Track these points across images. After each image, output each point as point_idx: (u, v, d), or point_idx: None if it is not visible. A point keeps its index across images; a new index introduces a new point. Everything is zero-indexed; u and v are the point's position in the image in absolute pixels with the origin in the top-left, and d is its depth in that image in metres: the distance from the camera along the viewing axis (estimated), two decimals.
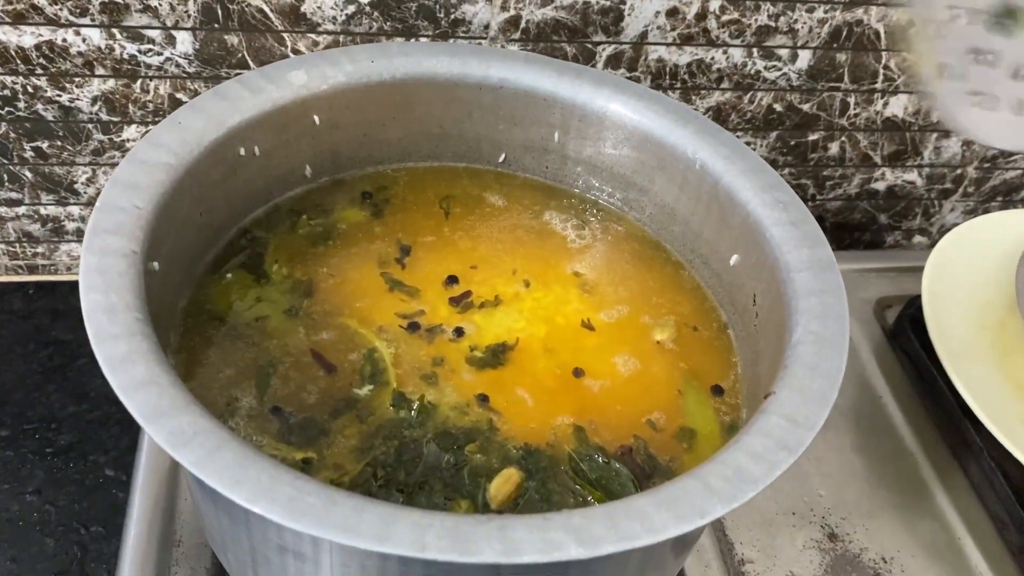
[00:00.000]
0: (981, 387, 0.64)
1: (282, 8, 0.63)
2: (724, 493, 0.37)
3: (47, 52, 0.62)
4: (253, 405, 0.46)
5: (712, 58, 0.71)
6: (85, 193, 0.71)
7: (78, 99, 0.65)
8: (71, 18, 0.61)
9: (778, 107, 0.76)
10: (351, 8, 0.63)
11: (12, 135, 0.66)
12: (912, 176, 0.84)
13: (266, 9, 0.62)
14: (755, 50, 0.71)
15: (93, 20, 0.61)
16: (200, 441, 0.35)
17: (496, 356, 0.49)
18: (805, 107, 0.76)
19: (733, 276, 0.53)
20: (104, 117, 0.66)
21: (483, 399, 0.47)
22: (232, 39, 0.63)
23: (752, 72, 0.72)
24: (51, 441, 0.63)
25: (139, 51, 0.63)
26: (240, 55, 0.64)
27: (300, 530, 0.33)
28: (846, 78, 0.75)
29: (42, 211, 0.71)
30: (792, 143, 0.79)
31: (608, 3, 0.66)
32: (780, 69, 0.73)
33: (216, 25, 0.62)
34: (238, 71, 0.65)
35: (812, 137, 0.79)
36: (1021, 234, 0.74)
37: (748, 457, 0.38)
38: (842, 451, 0.66)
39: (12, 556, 0.57)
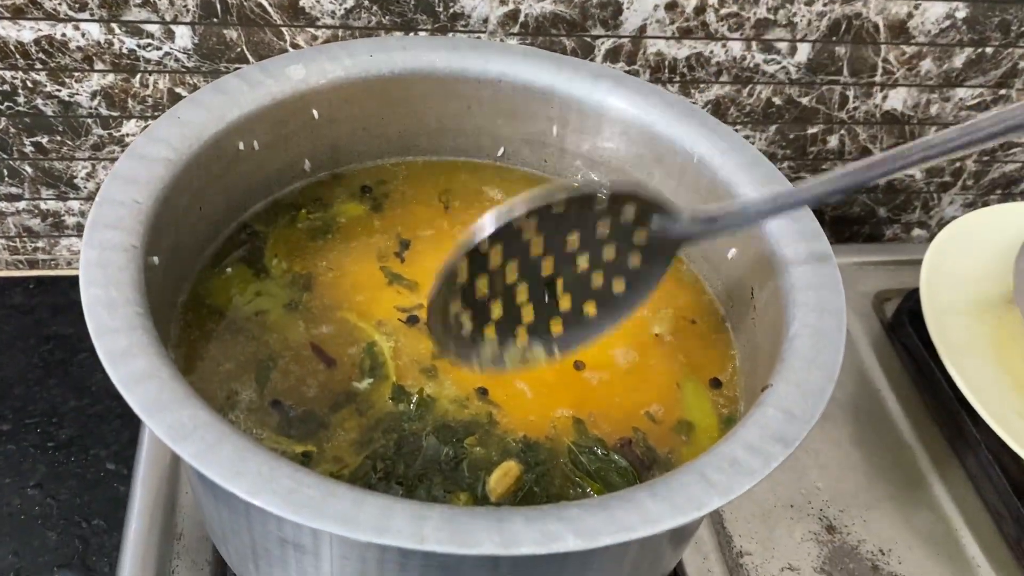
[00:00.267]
0: (979, 380, 0.64)
1: (281, 2, 0.63)
2: (721, 485, 0.37)
3: (46, 47, 0.62)
4: (253, 398, 0.46)
5: (711, 51, 0.71)
6: (85, 188, 0.71)
7: (77, 94, 0.65)
8: (70, 13, 0.61)
9: (777, 100, 0.76)
10: (350, 2, 0.63)
11: (12, 130, 0.66)
12: (911, 169, 0.84)
13: (265, 3, 0.62)
14: (754, 43, 0.71)
15: (92, 15, 0.61)
16: (200, 434, 0.35)
17: None
18: (804, 100, 0.76)
19: (731, 270, 0.53)
20: (103, 112, 0.66)
21: (482, 392, 0.47)
22: (231, 33, 0.63)
23: (751, 65, 0.72)
24: (52, 435, 0.63)
25: (138, 46, 0.63)
26: (239, 49, 0.64)
27: (299, 522, 0.34)
28: (845, 71, 0.75)
29: (42, 206, 0.71)
30: (791, 136, 0.79)
31: None
32: (779, 62, 0.73)
33: (215, 19, 0.62)
34: (237, 65, 0.65)
35: (811, 130, 0.79)
36: (1020, 227, 0.74)
37: (745, 449, 0.38)
38: (840, 444, 0.67)
39: (14, 550, 0.57)
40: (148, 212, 0.44)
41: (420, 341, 0.49)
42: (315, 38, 0.65)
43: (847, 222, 0.89)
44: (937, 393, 0.68)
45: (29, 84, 0.64)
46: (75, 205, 0.72)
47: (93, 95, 0.65)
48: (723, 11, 0.68)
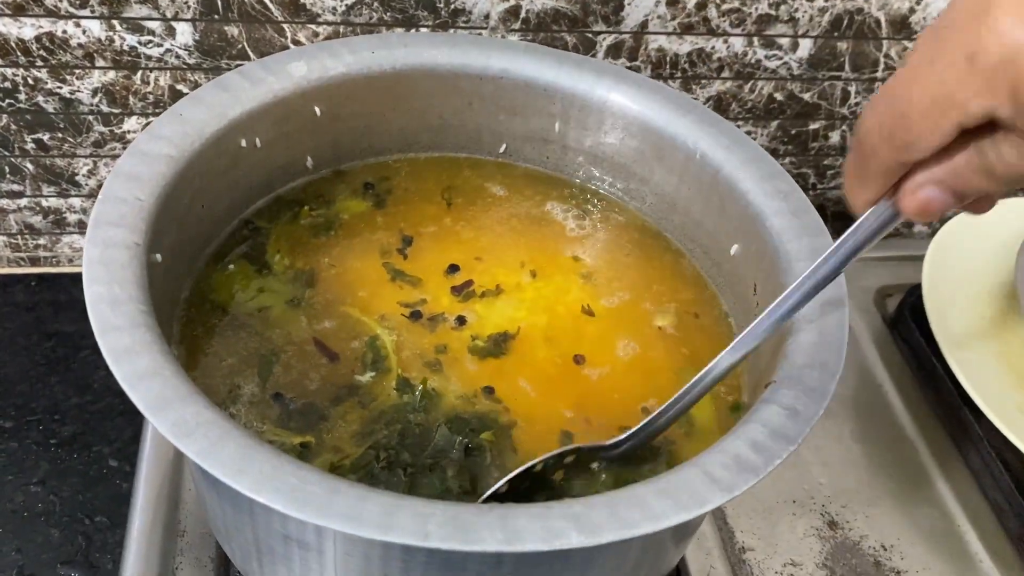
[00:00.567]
0: (981, 375, 0.64)
1: None
2: (724, 482, 0.37)
3: (47, 44, 0.62)
4: (255, 392, 0.46)
5: (712, 47, 0.71)
6: (86, 185, 0.71)
7: (79, 91, 0.65)
8: (71, 10, 0.61)
9: (779, 96, 0.75)
10: None
11: (13, 127, 0.66)
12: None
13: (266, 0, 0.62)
14: (756, 39, 0.71)
15: (93, 12, 0.61)
16: (204, 431, 0.35)
17: (498, 345, 0.50)
18: (806, 96, 0.76)
19: (734, 265, 0.53)
20: (105, 109, 0.66)
21: (489, 391, 0.48)
22: (232, 30, 0.63)
23: (753, 61, 0.72)
24: (55, 432, 0.63)
25: (139, 42, 0.63)
26: (240, 46, 0.64)
27: (303, 519, 0.34)
28: (847, 67, 0.74)
29: (44, 203, 0.71)
30: (793, 132, 0.79)
31: None
32: (781, 58, 0.73)
33: (216, 16, 0.62)
34: (238, 62, 0.65)
35: (813, 126, 0.79)
36: (1021, 223, 0.74)
37: (748, 446, 0.38)
38: (842, 439, 0.67)
39: (17, 547, 0.57)
40: (150, 209, 0.44)
41: (423, 336, 0.49)
42: (316, 35, 0.65)
43: (849, 218, 0.88)
44: (939, 389, 0.68)
45: (30, 81, 0.64)
46: (76, 202, 0.72)
47: (94, 92, 0.65)
48: (724, 7, 0.68)
